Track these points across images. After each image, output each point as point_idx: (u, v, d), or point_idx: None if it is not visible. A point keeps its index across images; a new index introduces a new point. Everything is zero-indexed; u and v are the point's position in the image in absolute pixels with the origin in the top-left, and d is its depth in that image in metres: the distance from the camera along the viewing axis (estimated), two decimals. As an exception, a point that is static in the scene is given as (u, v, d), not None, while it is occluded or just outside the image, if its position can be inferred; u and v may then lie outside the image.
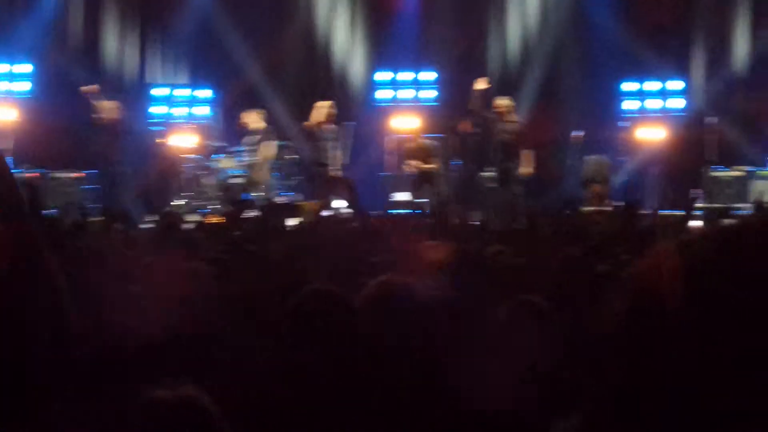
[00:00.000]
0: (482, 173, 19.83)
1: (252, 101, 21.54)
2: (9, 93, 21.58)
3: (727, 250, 1.65)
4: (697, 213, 17.53)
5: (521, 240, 9.48)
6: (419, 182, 19.24)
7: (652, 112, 21.30)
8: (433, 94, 22.39)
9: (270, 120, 20.40)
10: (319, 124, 19.03)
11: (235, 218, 11.83)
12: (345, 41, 22.98)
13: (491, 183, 19.29)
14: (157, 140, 20.49)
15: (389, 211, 17.06)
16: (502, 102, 18.75)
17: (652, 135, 20.83)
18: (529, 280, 6.17)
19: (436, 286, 4.99)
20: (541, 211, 13.42)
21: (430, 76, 22.41)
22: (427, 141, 20.01)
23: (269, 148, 19.59)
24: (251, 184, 19.73)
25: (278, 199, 18.42)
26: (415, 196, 18.95)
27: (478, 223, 13.31)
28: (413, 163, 19.31)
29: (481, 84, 18.76)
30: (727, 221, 2.34)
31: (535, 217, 11.78)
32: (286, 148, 20.71)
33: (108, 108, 19.02)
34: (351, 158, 20.45)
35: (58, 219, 14.03)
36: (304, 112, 20.36)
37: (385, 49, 22.77)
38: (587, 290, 5.68)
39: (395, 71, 22.49)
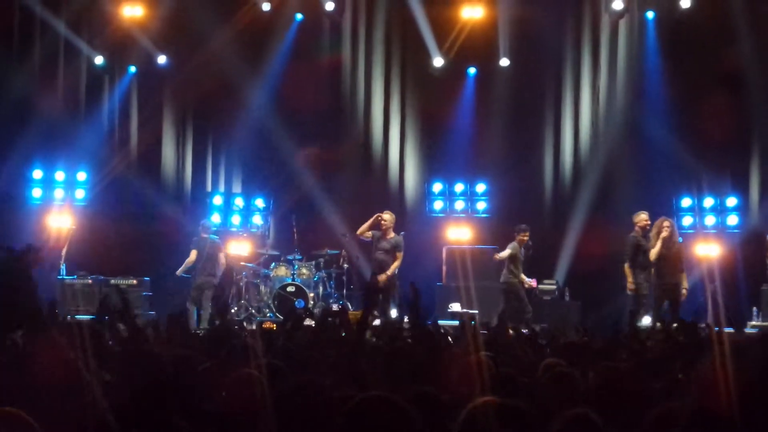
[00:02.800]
0: (539, 286, 19.76)
1: (306, 210, 21.66)
2: (66, 200, 21.83)
3: None
4: (752, 331, 17.37)
5: (575, 353, 9.36)
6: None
7: (709, 229, 21.17)
8: (485, 205, 22.44)
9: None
10: (368, 230, 19.03)
11: (291, 326, 11.75)
12: (399, 151, 23.09)
13: (547, 296, 19.19)
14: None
15: (445, 321, 16.92)
16: None
17: (708, 251, 20.68)
18: (581, 394, 6.07)
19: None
20: (597, 325, 13.28)
21: (482, 187, 22.47)
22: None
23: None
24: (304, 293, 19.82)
25: (334, 307, 18.39)
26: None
27: (532, 333, 13.13)
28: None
29: None
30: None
31: (591, 330, 11.66)
32: (340, 257, 20.80)
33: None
34: (402, 267, 20.44)
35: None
36: (358, 221, 20.44)
37: (439, 159, 22.88)
38: (639, 406, 5.57)
39: (449, 182, 22.57)
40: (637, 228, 18.29)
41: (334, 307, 16.69)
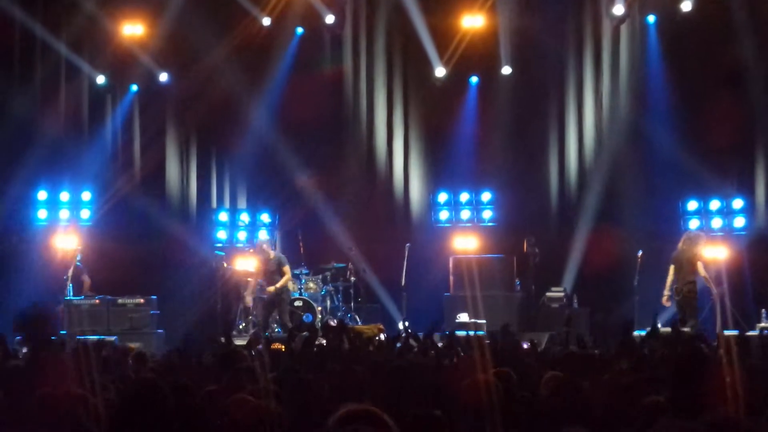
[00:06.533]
0: (548, 294, 19.72)
1: (312, 224, 21.65)
2: (71, 221, 21.85)
3: None
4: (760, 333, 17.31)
5: (578, 365, 9.30)
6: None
7: (716, 231, 21.11)
8: (491, 214, 22.40)
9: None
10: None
11: (303, 344, 11.72)
12: (403, 162, 23.07)
13: (555, 303, 19.14)
14: (221, 264, 20.62)
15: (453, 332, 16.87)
16: None
17: (715, 254, 20.59)
18: (579, 409, 6.02)
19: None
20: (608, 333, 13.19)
21: (487, 196, 22.44)
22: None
23: None
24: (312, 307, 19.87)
25: (332, 322, 18.34)
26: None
27: (535, 345, 13.04)
28: None
29: None
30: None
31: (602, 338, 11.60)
32: (347, 270, 20.82)
33: None
34: (410, 279, 20.49)
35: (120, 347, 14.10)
36: (364, 234, 20.42)
37: (444, 169, 22.85)
38: (637, 421, 5.53)
39: (454, 192, 22.54)
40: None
41: (331, 322, 16.66)
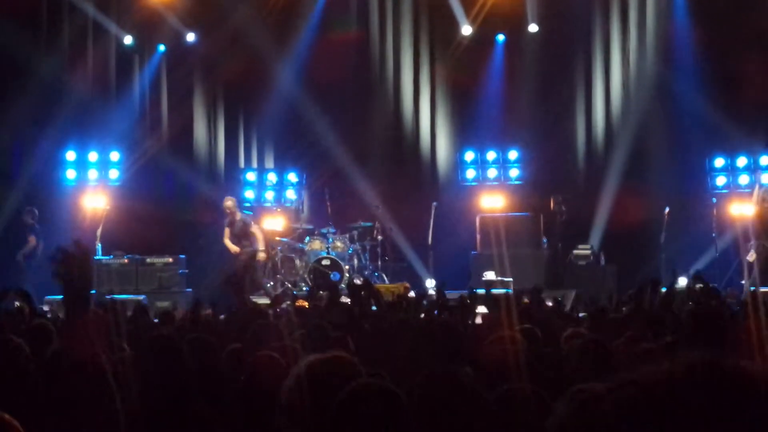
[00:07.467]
0: (575, 251, 19.74)
1: (339, 184, 21.71)
2: (99, 180, 21.97)
3: None
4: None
5: (600, 323, 9.34)
6: None
7: (743, 188, 21.05)
8: (518, 172, 22.38)
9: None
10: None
11: (326, 304, 11.79)
12: (430, 121, 23.07)
13: (582, 261, 19.15)
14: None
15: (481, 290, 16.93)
16: None
17: (743, 211, 20.54)
18: (598, 367, 6.05)
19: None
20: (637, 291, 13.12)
21: (514, 154, 22.41)
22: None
23: None
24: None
25: (357, 280, 18.44)
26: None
27: (559, 303, 13.04)
28: None
29: None
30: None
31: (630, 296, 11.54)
32: (374, 229, 20.89)
33: None
34: (436, 237, 20.55)
35: (147, 306, 14.23)
36: (391, 193, 20.45)
37: (470, 128, 22.84)
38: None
39: (481, 151, 22.52)
40: None
41: (357, 281, 16.71)
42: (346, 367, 4.00)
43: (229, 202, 19.97)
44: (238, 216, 19.94)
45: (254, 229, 19.96)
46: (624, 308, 11.26)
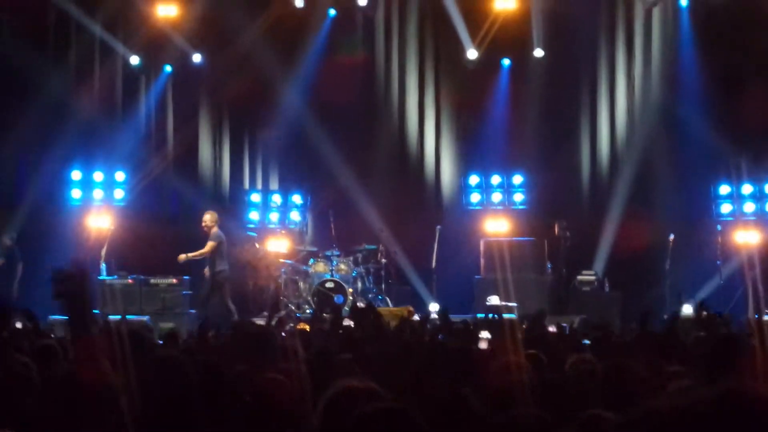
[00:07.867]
0: (579, 277, 19.72)
1: (344, 206, 21.71)
2: (105, 200, 21.99)
3: None
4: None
5: (605, 349, 9.31)
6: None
7: (748, 215, 21.04)
8: (522, 197, 22.37)
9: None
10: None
11: (331, 326, 11.78)
12: (434, 145, 23.08)
13: (587, 287, 19.13)
14: (254, 246, 20.71)
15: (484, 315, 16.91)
16: None
17: (747, 239, 20.55)
18: (605, 393, 6.04)
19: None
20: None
21: (519, 179, 22.41)
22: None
23: None
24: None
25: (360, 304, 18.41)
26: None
27: (561, 329, 13.04)
28: None
29: None
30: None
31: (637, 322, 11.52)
32: (378, 252, 20.88)
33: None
34: (440, 261, 20.54)
35: (150, 327, 14.22)
36: (395, 216, 20.44)
37: (475, 152, 22.85)
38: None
39: (485, 175, 22.52)
40: None
41: (360, 304, 16.66)
42: (372, 396, 3.99)
43: (206, 216, 19.58)
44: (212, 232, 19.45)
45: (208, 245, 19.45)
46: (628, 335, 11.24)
